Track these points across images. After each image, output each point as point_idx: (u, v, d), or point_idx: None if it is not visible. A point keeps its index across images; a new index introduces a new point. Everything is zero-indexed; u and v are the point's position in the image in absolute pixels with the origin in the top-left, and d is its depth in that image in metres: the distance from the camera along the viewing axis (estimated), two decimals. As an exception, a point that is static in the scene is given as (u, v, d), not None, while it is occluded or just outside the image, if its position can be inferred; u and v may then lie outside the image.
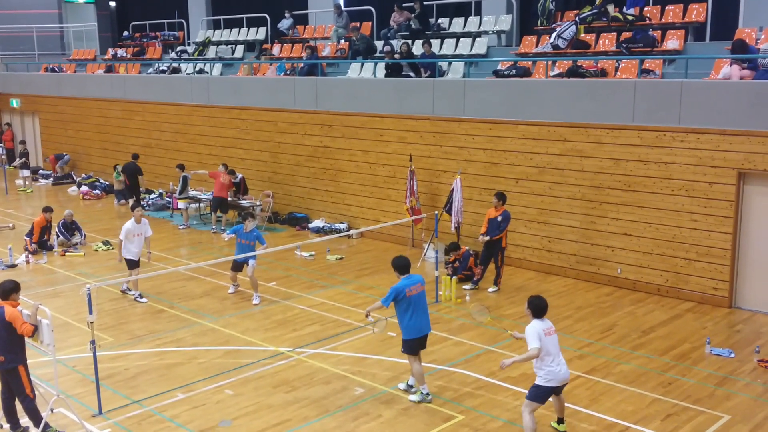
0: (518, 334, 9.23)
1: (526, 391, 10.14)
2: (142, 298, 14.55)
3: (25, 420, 9.36)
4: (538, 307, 8.90)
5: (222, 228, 20.17)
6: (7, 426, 9.37)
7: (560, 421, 9.35)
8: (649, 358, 11.59)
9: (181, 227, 20.82)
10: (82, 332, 12.75)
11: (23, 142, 30.88)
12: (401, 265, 10.16)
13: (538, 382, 8.76)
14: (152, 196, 24.08)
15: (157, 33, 31.80)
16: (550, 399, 9.04)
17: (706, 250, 13.77)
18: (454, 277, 14.88)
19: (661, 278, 14.40)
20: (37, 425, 9.17)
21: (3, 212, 22.95)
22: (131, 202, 22.44)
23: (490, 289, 14.88)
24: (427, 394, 10.11)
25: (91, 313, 9.68)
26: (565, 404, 9.44)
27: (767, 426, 9.48)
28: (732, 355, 11.62)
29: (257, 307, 14.14)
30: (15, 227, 20.44)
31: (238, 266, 14.76)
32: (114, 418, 9.81)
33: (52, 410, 9.39)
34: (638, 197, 14.48)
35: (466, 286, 15.11)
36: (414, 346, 10.02)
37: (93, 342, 9.78)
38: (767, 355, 11.59)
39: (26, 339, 9.12)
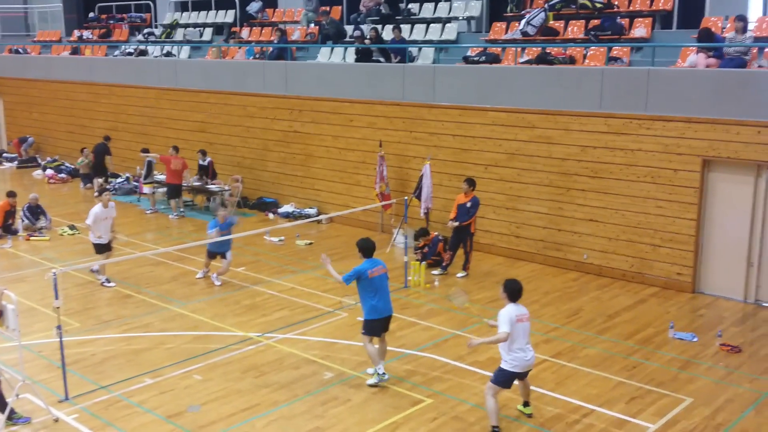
0: (492, 321, 9.26)
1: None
2: (109, 282, 14.44)
3: (-10, 406, 9.28)
4: (513, 290, 8.93)
5: (179, 212, 20.13)
6: (-28, 412, 9.28)
7: (526, 404, 9.47)
8: (614, 342, 11.76)
9: (147, 212, 20.64)
10: (47, 317, 12.64)
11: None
12: (366, 247, 10.27)
13: (503, 366, 8.85)
14: (119, 180, 23.81)
15: (124, 15, 31.38)
16: (516, 383, 9.15)
17: (671, 236, 13.98)
18: (423, 263, 14.97)
19: (627, 264, 14.60)
20: (2, 411, 9.09)
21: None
22: (97, 182, 22.20)
23: (459, 275, 14.98)
24: (383, 373, 10.17)
25: (57, 298, 9.58)
26: (531, 387, 9.56)
27: (729, 408, 9.69)
28: (695, 339, 11.84)
29: (226, 293, 14.09)
30: None
31: (213, 255, 14.75)
32: (81, 404, 9.75)
33: (17, 396, 9.33)
34: (605, 184, 14.64)
35: (434, 272, 15.19)
36: (376, 327, 10.11)
37: (59, 327, 9.69)
38: (729, 339, 11.82)
39: (-9, 324, 9.04)
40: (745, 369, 10.84)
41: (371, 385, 10.16)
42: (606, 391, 10.14)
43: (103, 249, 14.48)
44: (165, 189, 20.63)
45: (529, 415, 9.41)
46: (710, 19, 15.54)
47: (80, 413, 9.52)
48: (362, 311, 10.16)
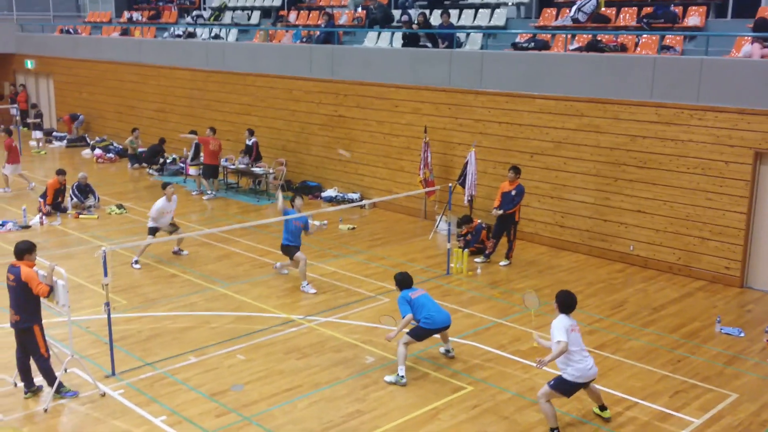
0: (543, 341, 8.97)
1: (535, 364, 10.15)
2: (137, 264, 14.52)
3: (39, 379, 9.48)
4: (564, 304, 8.71)
5: (211, 192, 20.36)
6: (21, 385, 9.50)
7: (602, 408, 9.16)
8: (659, 336, 11.61)
9: (194, 193, 20.86)
10: (95, 294, 12.87)
11: (35, 105, 30.87)
12: (402, 281, 10.34)
13: (565, 376, 8.57)
14: (166, 161, 24.12)
15: (173, -3, 31.68)
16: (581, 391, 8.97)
17: (720, 229, 13.72)
18: (466, 250, 14.90)
19: (674, 256, 14.38)
20: (50, 385, 9.29)
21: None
22: (152, 173, 23.04)
23: (502, 263, 14.90)
24: (402, 377, 9.89)
25: (106, 275, 9.74)
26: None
27: None
28: (742, 335, 11.63)
29: (269, 275, 14.18)
30: (35, 188, 20.53)
31: (288, 251, 13.53)
32: (127, 380, 9.93)
33: (65, 370, 9.55)
34: (653, 174, 14.41)
35: (477, 259, 15.12)
36: (424, 335, 10.17)
37: (107, 304, 9.85)
38: (778, 336, 11.60)
39: (41, 299, 9.21)
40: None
41: (389, 382, 9.96)
42: (650, 384, 10.02)
43: (154, 231, 14.78)
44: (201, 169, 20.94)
45: (608, 419, 9.10)
46: (766, 9, 15.14)
47: (126, 389, 9.69)
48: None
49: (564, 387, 8.64)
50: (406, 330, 10.14)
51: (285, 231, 13.42)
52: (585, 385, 8.81)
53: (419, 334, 10.09)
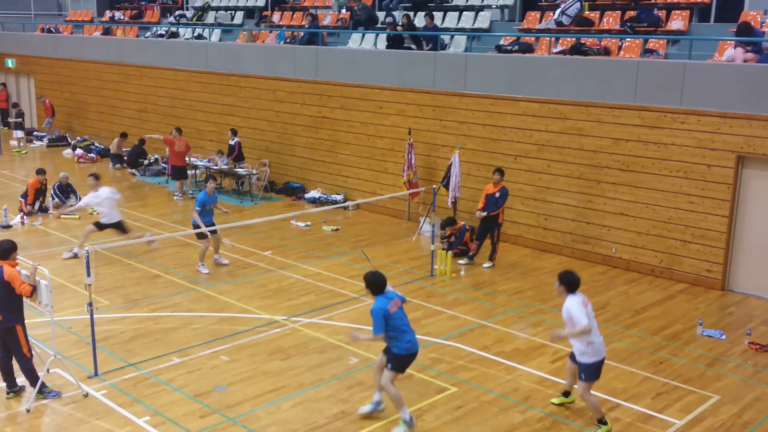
0: (559, 332, 8.92)
1: (519, 366, 10.25)
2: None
3: (21, 379, 9.41)
4: (570, 282, 8.71)
5: (187, 193, 20.34)
6: (3, 385, 9.41)
7: (566, 394, 9.43)
8: (641, 338, 11.69)
9: (176, 194, 20.74)
10: (77, 294, 12.78)
11: (16, 105, 30.59)
12: (375, 282, 8.74)
13: (588, 360, 8.61)
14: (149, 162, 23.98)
15: (156, -4, 31.53)
16: (568, 368, 9.18)
17: (702, 232, 13.83)
18: (450, 252, 14.93)
19: (656, 259, 14.47)
20: (33, 385, 9.21)
21: (-3, 172, 22.86)
22: (135, 173, 23.13)
23: (485, 265, 14.94)
24: (410, 419, 8.73)
25: (89, 275, 9.67)
26: (556, 380, 9.48)
27: (756, 407, 9.60)
28: (723, 337, 11.73)
29: (252, 276, 14.14)
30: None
31: (204, 235, 14.28)
32: (110, 380, 9.86)
33: (48, 370, 9.46)
34: (636, 177, 14.51)
35: (461, 261, 15.15)
36: (407, 363, 8.82)
37: (90, 304, 9.78)
38: (758, 338, 11.70)
39: (24, 299, 9.13)
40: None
41: (364, 412, 9.14)
42: (632, 385, 10.08)
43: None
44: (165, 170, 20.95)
45: (571, 402, 9.43)
46: (749, 13, 15.29)
47: (109, 389, 9.63)
48: (392, 348, 8.73)
49: (594, 371, 8.69)
50: (390, 365, 8.73)
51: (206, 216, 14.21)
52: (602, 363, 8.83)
53: (402, 364, 8.77)
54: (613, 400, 9.65)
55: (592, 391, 8.86)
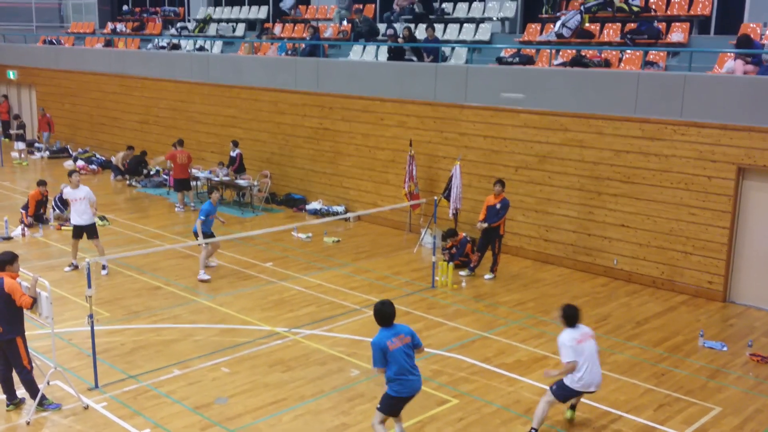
0: (552, 371, 8.96)
1: (520, 378, 10.24)
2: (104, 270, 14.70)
3: (21, 392, 9.39)
4: (568, 316, 8.81)
5: (189, 205, 20.40)
6: (3, 397, 9.39)
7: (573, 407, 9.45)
8: (643, 349, 11.66)
9: (177, 206, 20.77)
10: (77, 306, 12.77)
11: (17, 116, 30.65)
12: (383, 314, 8.16)
13: (566, 382, 8.74)
14: (151, 172, 24.01)
15: (157, 8, 31.63)
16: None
17: (703, 243, 13.83)
18: (451, 263, 14.93)
19: (657, 270, 14.46)
20: (33, 397, 9.19)
21: (-1, 184, 22.90)
22: (135, 184, 23.16)
23: (487, 276, 14.93)
24: None
25: (89, 287, 9.67)
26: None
27: (757, 418, 9.57)
28: (725, 349, 11.71)
29: (253, 287, 14.14)
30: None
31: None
32: (110, 392, 9.84)
33: (48, 382, 9.45)
34: (637, 189, 14.51)
35: (462, 273, 15.15)
36: (396, 406, 8.31)
37: (91, 316, 9.78)
38: (759, 350, 11.67)
39: (24, 311, 9.12)
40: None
41: None
42: (634, 397, 10.06)
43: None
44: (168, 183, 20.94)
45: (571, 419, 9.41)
46: (749, 26, 15.34)
47: (109, 401, 9.61)
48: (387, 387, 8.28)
49: (564, 396, 8.79)
50: (379, 404, 8.32)
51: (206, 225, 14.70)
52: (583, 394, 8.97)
53: (389, 405, 8.25)
54: (615, 412, 9.63)
55: (546, 399, 8.87)
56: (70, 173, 15.02)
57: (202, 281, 14.38)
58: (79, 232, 14.71)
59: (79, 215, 14.60)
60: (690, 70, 14.32)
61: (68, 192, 14.80)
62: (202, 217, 14.42)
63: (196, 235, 14.56)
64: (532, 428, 8.84)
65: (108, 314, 12.61)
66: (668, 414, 9.62)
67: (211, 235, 14.79)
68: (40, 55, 31.14)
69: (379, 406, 8.29)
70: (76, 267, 14.87)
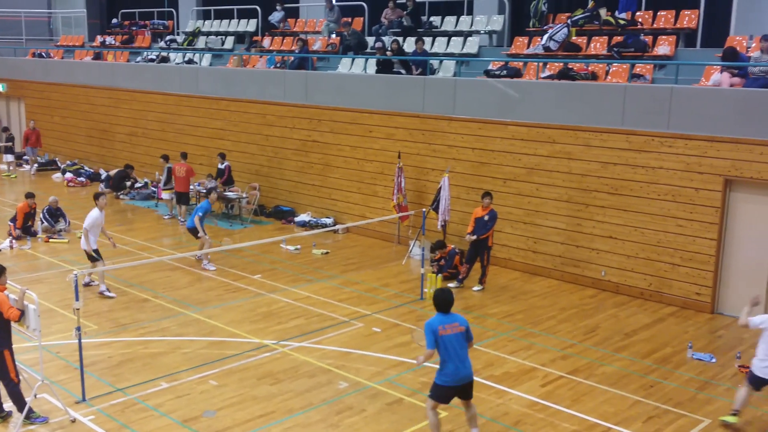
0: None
1: (509, 390, 10.26)
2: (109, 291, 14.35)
3: (8, 404, 9.33)
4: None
5: (176, 217, 20.53)
6: (-11, 410, 9.32)
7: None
8: (632, 361, 11.68)
9: (165, 217, 20.73)
10: (65, 319, 12.70)
11: (6, 129, 30.56)
12: (441, 301, 8.59)
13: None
14: (137, 185, 23.94)
15: (147, 21, 31.63)
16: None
17: (690, 255, 13.89)
18: (440, 275, 14.94)
19: (645, 282, 14.51)
20: (20, 410, 9.12)
21: (-14, 196, 22.78)
22: (123, 197, 23.19)
23: (475, 288, 14.94)
24: None
25: (77, 299, 9.63)
26: (546, 403, 9.39)
27: (746, 430, 9.59)
28: (713, 360, 11.74)
29: (242, 300, 14.10)
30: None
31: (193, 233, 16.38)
32: (97, 405, 9.78)
33: (35, 395, 9.38)
34: (625, 201, 14.58)
35: (451, 284, 15.13)
36: (443, 394, 8.64)
37: (78, 329, 9.73)
38: (748, 361, 11.64)
39: (11, 324, 9.07)
40: (764, 391, 10.70)
41: None
42: (623, 409, 10.06)
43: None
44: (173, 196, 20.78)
45: None
46: (735, 38, 15.48)
47: (97, 415, 9.55)
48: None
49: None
50: (430, 391, 8.76)
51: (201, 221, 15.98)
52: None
53: (438, 393, 8.64)
54: (604, 424, 9.63)
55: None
56: (97, 196, 14.64)
57: (206, 270, 15.71)
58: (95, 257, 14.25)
59: (93, 242, 14.21)
60: (677, 83, 14.42)
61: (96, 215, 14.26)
62: (200, 214, 15.69)
63: (192, 230, 15.98)
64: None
65: (96, 327, 12.55)
66: (657, 426, 9.63)
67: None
68: (29, 68, 31.08)
69: (429, 393, 8.67)
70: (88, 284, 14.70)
